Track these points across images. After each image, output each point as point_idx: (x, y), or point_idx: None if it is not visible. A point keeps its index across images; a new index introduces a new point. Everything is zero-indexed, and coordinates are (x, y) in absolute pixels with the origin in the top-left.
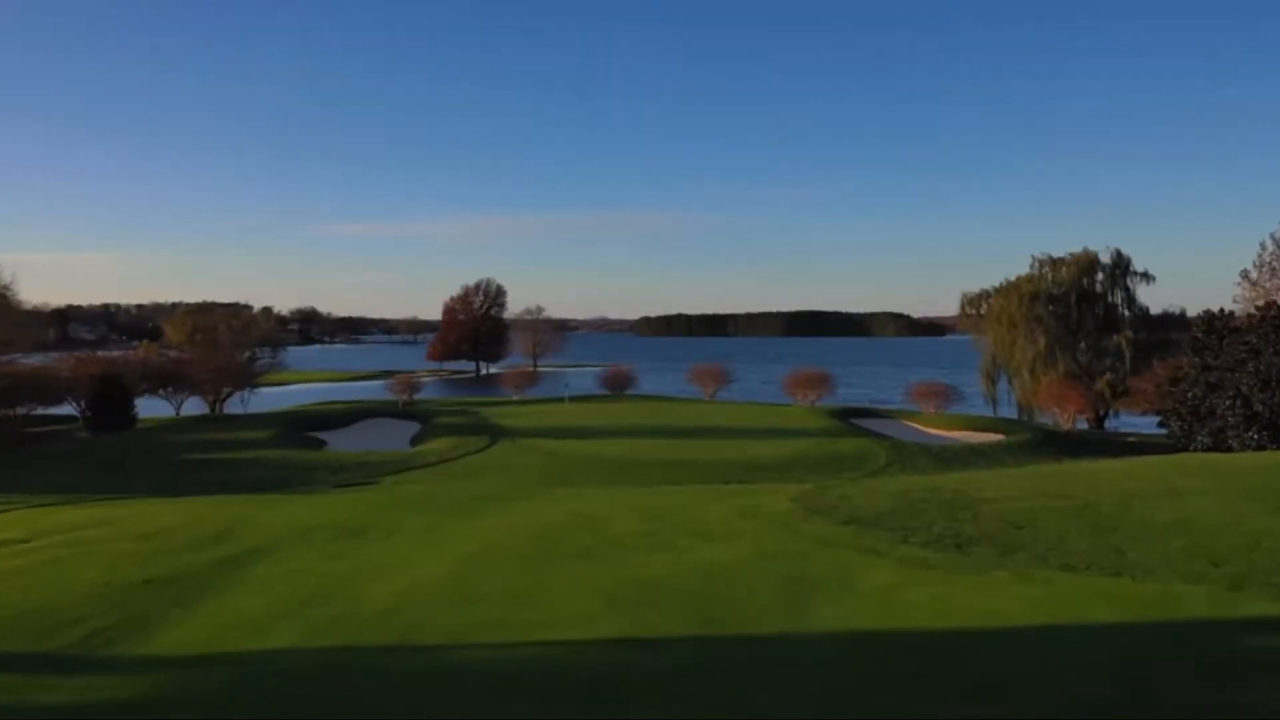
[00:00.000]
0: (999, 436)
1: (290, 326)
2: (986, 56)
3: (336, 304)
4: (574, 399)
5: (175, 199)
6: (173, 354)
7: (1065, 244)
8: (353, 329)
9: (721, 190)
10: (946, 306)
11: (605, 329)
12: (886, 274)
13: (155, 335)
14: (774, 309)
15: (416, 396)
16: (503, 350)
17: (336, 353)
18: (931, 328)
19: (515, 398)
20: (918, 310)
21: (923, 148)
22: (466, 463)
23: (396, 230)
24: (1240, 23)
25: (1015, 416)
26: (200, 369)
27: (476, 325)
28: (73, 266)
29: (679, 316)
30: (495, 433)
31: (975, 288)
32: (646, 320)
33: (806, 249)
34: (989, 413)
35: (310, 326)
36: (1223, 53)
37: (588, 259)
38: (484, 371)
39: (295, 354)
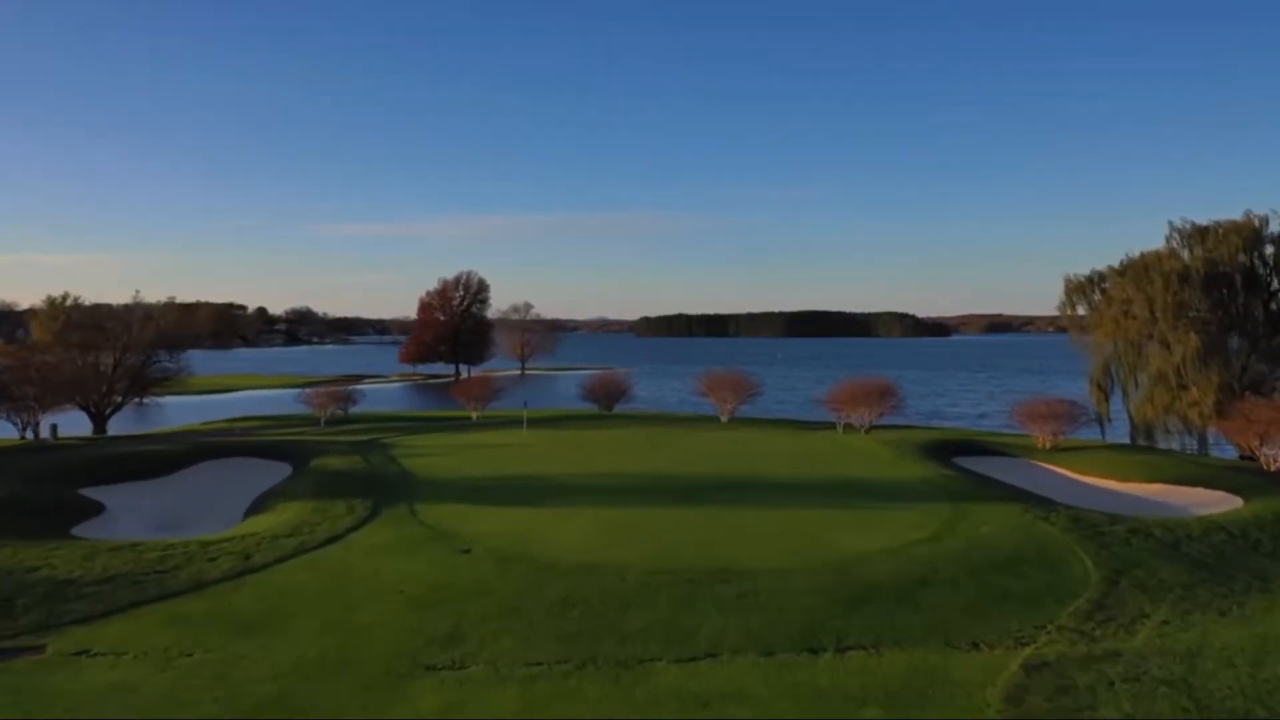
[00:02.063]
0: (1234, 500)
1: (278, 327)
2: (986, 56)
3: (335, 304)
4: (542, 422)
5: (175, 199)
6: (40, 357)
7: (1067, 243)
8: (347, 329)
9: (722, 190)
10: (948, 306)
11: (605, 329)
12: (888, 274)
13: None
14: (775, 309)
15: (354, 409)
16: (486, 352)
17: (323, 354)
18: (936, 328)
19: (474, 416)
20: (920, 310)
21: (923, 148)
22: (278, 578)
23: (395, 231)
24: (1240, 23)
25: (1130, 440)
26: (18, 378)
27: (456, 324)
28: (73, 266)
29: (679, 317)
30: (387, 490)
31: (1083, 271)
32: (646, 320)
33: (807, 249)
34: (1096, 434)
35: (299, 327)
36: (1223, 53)
37: (588, 259)
38: (465, 375)
39: (280, 354)
